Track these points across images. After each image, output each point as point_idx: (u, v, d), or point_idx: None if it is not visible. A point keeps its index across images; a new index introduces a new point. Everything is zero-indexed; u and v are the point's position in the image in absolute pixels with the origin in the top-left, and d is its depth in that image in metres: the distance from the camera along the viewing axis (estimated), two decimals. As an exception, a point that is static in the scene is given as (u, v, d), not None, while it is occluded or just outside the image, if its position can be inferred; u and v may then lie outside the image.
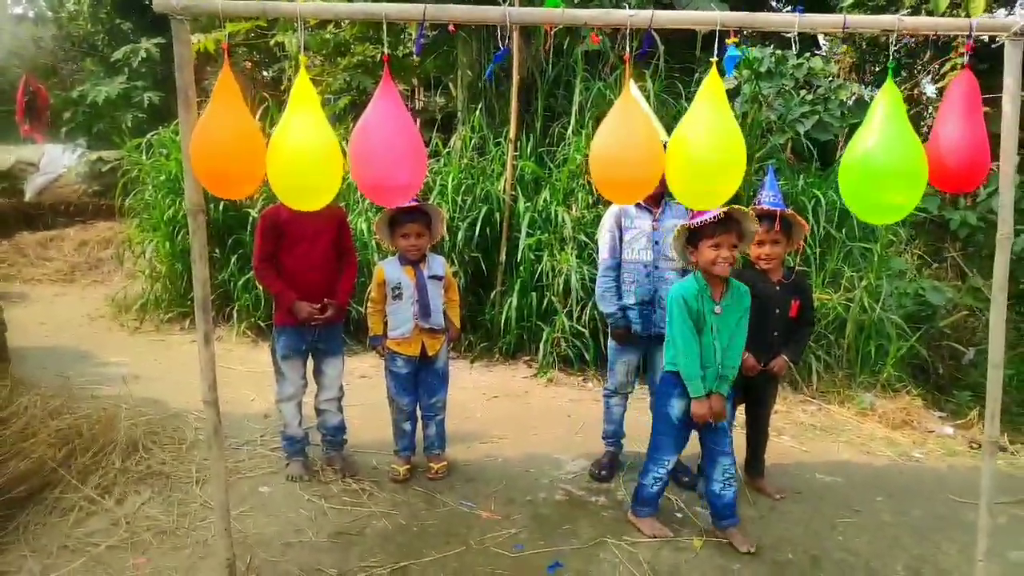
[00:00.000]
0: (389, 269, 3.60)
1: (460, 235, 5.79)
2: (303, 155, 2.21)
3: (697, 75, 6.27)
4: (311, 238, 3.50)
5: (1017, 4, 9.08)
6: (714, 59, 2.17)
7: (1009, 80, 2.29)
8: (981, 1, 5.71)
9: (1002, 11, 9.01)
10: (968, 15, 5.84)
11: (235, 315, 6.25)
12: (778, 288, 3.42)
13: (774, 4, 10.51)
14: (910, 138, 2.22)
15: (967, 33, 2.22)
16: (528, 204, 5.82)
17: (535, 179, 6.07)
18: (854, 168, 2.28)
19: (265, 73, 9.52)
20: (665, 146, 2.36)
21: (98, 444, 3.58)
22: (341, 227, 3.65)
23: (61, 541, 3.00)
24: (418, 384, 3.70)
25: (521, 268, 5.67)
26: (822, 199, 5.57)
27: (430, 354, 3.63)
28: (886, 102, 2.26)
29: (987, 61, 2.42)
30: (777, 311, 3.41)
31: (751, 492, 3.65)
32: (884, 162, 2.20)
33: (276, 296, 3.55)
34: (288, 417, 3.63)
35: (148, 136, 7.21)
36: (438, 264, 3.65)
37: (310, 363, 3.69)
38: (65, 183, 10.29)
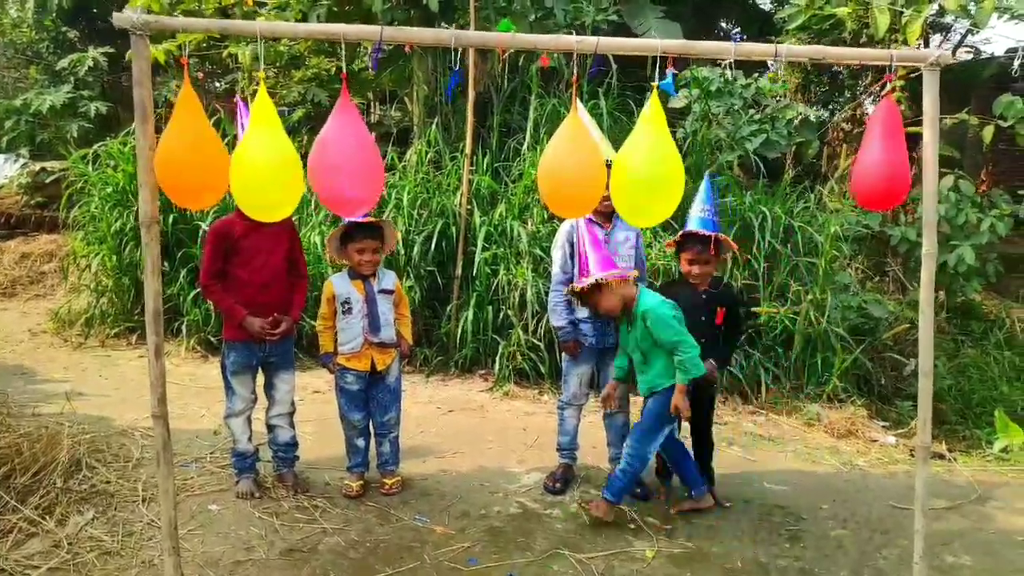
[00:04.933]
0: (338, 283, 3.58)
1: (416, 249, 5.79)
2: (267, 168, 2.30)
3: (648, 93, 6.41)
4: (265, 253, 3.47)
5: (951, 30, 9.52)
6: (655, 84, 2.26)
7: (928, 106, 2.44)
8: (916, 28, 5.96)
9: (937, 37, 9.44)
10: (905, 40, 6.10)
11: (184, 330, 6.12)
12: (704, 296, 3.58)
13: (724, 24, 10.84)
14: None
15: (888, 63, 2.35)
16: (484, 218, 5.86)
17: (491, 194, 6.11)
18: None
19: (217, 84, 9.38)
20: (609, 164, 2.47)
21: (39, 463, 3.47)
22: (293, 240, 3.64)
23: (-2, 565, 2.90)
24: (370, 401, 3.68)
25: (477, 282, 5.70)
26: (768, 215, 5.74)
27: (380, 369, 3.61)
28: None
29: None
30: (703, 317, 3.55)
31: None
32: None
33: (225, 312, 3.50)
34: (237, 432, 3.57)
35: (95, 147, 7.04)
36: (388, 279, 3.66)
37: (260, 378, 3.65)
38: (6, 194, 9.95)
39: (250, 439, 3.61)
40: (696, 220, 3.51)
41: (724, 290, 3.72)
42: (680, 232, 3.61)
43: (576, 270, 3.49)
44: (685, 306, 3.54)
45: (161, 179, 2.35)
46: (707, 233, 3.47)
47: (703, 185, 3.59)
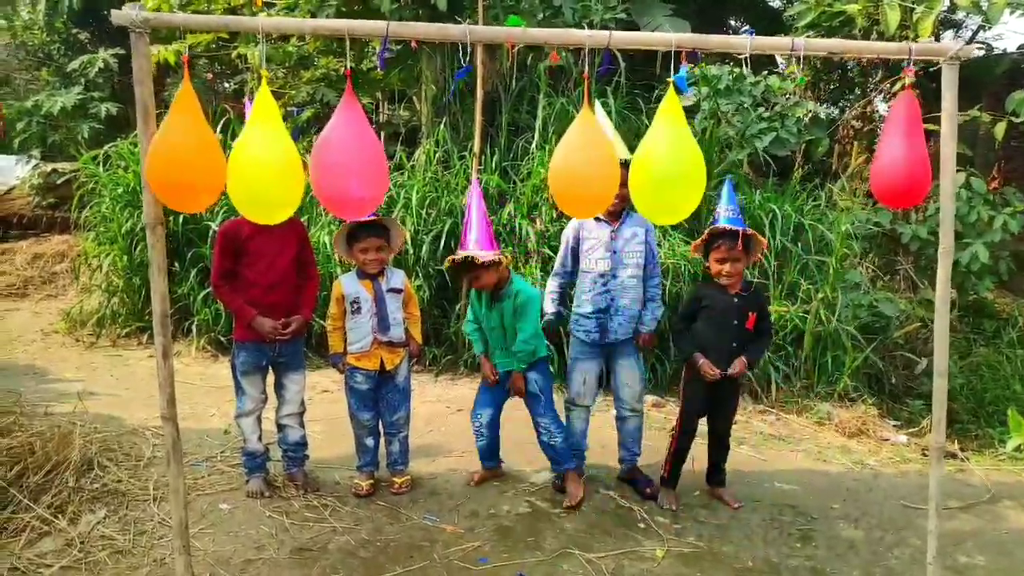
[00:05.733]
0: (347, 283, 3.59)
1: (424, 248, 5.79)
2: (263, 169, 2.22)
3: (657, 92, 6.40)
4: (274, 254, 3.47)
5: (963, 26, 9.45)
6: (670, 78, 2.23)
7: (947, 100, 2.40)
8: (928, 24, 5.92)
9: (949, 33, 9.37)
10: (916, 37, 6.05)
11: (194, 330, 6.15)
12: (736, 300, 3.51)
13: (732, 22, 10.78)
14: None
15: (907, 57, 2.32)
16: (492, 218, 5.85)
17: (499, 193, 6.11)
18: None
19: (226, 85, 9.42)
20: (625, 164, 2.43)
21: (51, 462, 3.48)
22: (303, 241, 3.64)
23: (11, 563, 2.91)
24: (379, 400, 3.68)
25: (485, 281, 5.68)
26: (778, 213, 5.71)
27: (388, 368, 3.61)
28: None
29: (937, 80, 2.56)
30: (735, 322, 3.50)
31: (711, 501, 3.72)
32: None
33: (235, 313, 3.51)
34: (247, 432, 3.58)
35: (105, 148, 7.07)
36: (397, 278, 3.65)
37: (270, 377, 3.65)
38: (18, 195, 10.01)
39: (260, 439, 3.62)
40: (723, 219, 3.45)
41: (754, 294, 3.64)
42: (707, 230, 3.56)
43: (469, 238, 3.50)
44: (718, 309, 3.51)
45: (151, 180, 2.27)
46: (735, 228, 3.40)
47: (725, 188, 3.55)
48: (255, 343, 3.50)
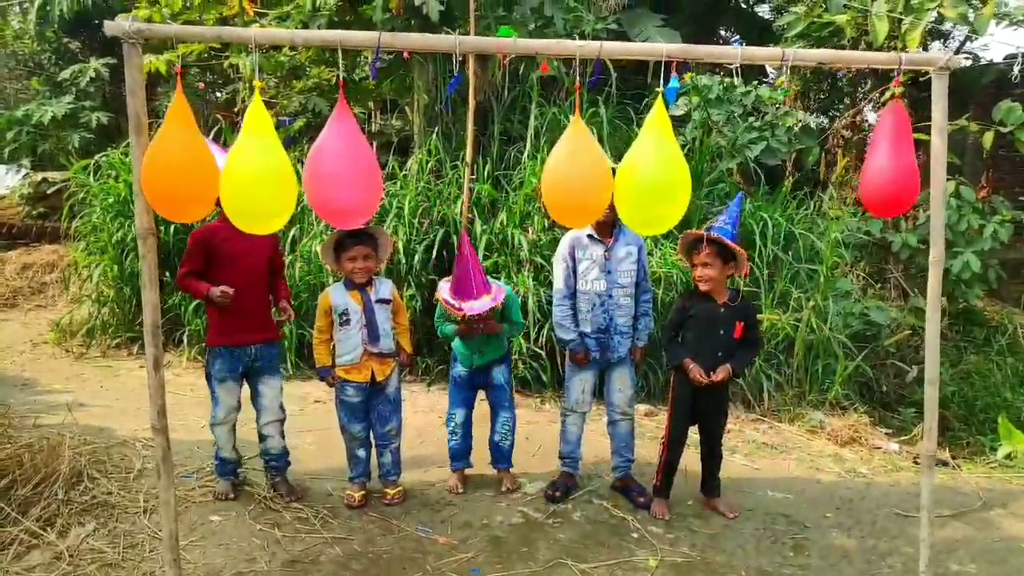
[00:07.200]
0: (335, 295, 3.58)
1: (417, 258, 5.79)
2: (257, 179, 2.25)
3: (647, 101, 6.43)
4: (248, 258, 3.50)
5: (950, 37, 9.53)
6: (660, 89, 2.24)
7: (936, 111, 2.42)
8: (917, 34, 5.97)
9: (937, 43, 9.45)
10: (905, 47, 6.11)
11: (185, 340, 6.12)
12: (723, 310, 3.51)
13: (723, 32, 10.85)
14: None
15: (896, 67, 2.33)
16: (485, 227, 5.85)
17: (492, 202, 6.11)
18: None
19: (218, 95, 9.40)
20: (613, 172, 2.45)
21: (40, 474, 3.46)
22: (275, 248, 3.72)
23: (-1, 577, 2.89)
24: (370, 412, 3.67)
25: (478, 290, 5.67)
26: (769, 222, 5.73)
27: (379, 379, 3.60)
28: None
29: (927, 90, 2.58)
30: (722, 332, 3.51)
31: (704, 510, 3.71)
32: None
33: (195, 294, 3.56)
34: (221, 441, 3.60)
35: (96, 157, 7.05)
36: (385, 288, 3.65)
37: (246, 388, 3.67)
38: (7, 205, 9.97)
39: (234, 447, 3.64)
40: (714, 229, 3.46)
41: (742, 304, 3.61)
42: (679, 237, 3.58)
43: (462, 285, 3.55)
44: (704, 319, 3.50)
45: (147, 191, 2.30)
46: (701, 233, 3.41)
47: (733, 203, 3.57)
48: (229, 349, 3.52)
